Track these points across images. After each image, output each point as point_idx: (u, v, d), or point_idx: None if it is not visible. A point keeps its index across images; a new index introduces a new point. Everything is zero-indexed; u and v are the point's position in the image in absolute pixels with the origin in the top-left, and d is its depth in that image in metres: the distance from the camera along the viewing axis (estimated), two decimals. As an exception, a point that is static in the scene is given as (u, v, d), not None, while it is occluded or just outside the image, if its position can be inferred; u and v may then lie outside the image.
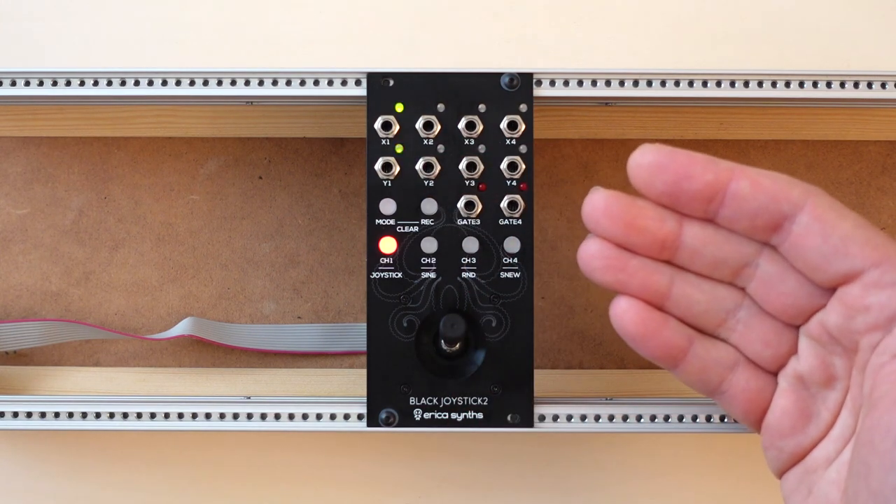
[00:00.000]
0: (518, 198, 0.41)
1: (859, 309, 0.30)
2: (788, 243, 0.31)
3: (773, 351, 0.33)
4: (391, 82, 0.42)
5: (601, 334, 0.49)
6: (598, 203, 0.33)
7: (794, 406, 0.33)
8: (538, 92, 0.42)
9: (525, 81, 0.42)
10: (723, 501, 0.49)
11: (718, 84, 0.42)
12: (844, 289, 0.31)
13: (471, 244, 0.41)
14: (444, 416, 0.41)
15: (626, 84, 0.42)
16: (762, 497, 0.49)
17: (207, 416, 0.42)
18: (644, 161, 0.32)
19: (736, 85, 0.42)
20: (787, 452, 0.33)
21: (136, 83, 0.42)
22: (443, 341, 0.41)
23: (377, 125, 0.41)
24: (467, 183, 0.42)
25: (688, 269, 0.33)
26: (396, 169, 0.41)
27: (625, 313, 0.33)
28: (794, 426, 0.33)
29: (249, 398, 0.42)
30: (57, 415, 0.42)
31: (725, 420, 0.41)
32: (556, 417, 0.42)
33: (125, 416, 0.42)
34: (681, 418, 0.41)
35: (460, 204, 0.41)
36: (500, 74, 0.42)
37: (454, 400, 0.41)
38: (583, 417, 0.42)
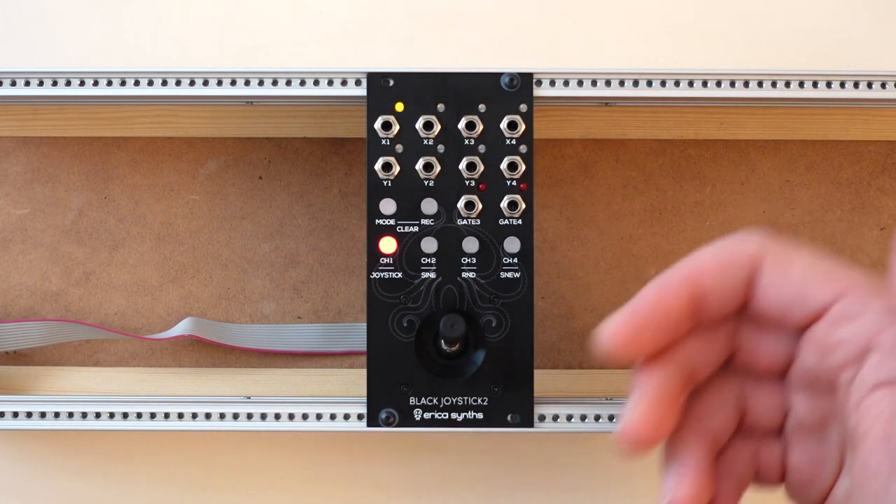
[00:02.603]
0: (518, 198, 0.41)
1: (830, 347, 0.29)
2: (755, 307, 0.31)
3: (777, 413, 0.33)
4: (391, 82, 0.42)
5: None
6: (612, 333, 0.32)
7: (807, 457, 0.32)
8: (538, 92, 0.42)
9: (525, 81, 0.42)
10: (723, 501, 0.49)
11: (718, 84, 0.42)
12: (812, 329, 0.30)
13: (471, 244, 0.41)
14: (444, 416, 0.41)
15: (626, 84, 0.42)
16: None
17: (207, 416, 0.42)
18: (611, 343, 0.31)
19: (736, 85, 0.42)
20: (811, 500, 0.33)
21: (136, 83, 0.42)
22: (443, 341, 0.41)
23: (377, 125, 0.41)
24: (467, 183, 0.42)
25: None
26: (396, 169, 0.41)
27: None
28: (812, 475, 0.32)
29: (249, 398, 0.42)
30: (57, 415, 0.42)
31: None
32: (556, 417, 0.42)
33: (125, 416, 0.42)
34: (681, 418, 0.41)
35: (460, 204, 0.41)
36: (500, 74, 0.42)
37: (454, 400, 0.41)
38: (583, 417, 0.42)
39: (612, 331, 0.31)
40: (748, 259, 0.30)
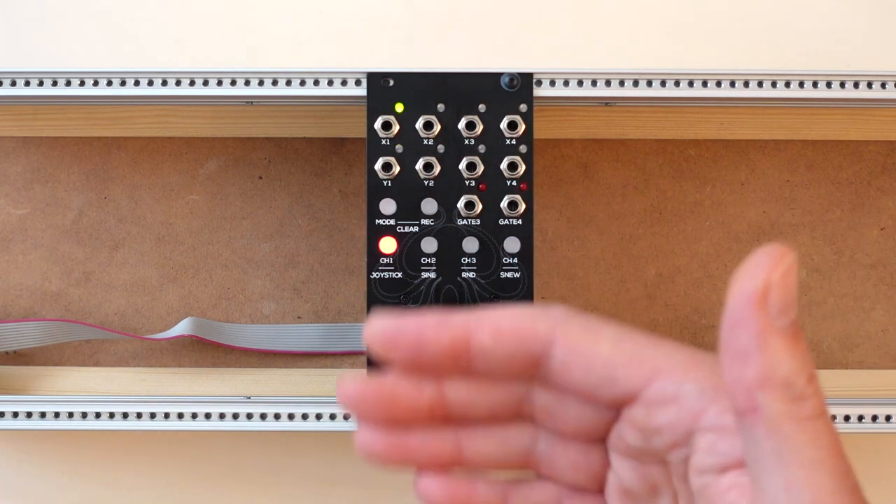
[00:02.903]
0: (518, 198, 0.41)
1: (651, 431, 0.29)
2: (553, 377, 0.30)
3: (584, 472, 0.32)
4: (391, 82, 0.42)
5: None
6: (351, 393, 0.32)
7: None
8: (538, 92, 0.42)
9: (525, 81, 0.42)
10: (723, 501, 0.49)
11: (718, 84, 0.42)
12: (629, 410, 0.29)
13: (471, 244, 0.41)
14: (444, 416, 0.41)
15: (626, 84, 0.42)
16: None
17: (207, 416, 0.42)
18: (375, 336, 0.31)
19: (736, 85, 0.42)
20: None
21: (136, 83, 0.42)
22: (443, 341, 0.41)
23: (377, 125, 0.41)
24: (467, 183, 0.42)
25: (467, 423, 0.33)
26: (396, 169, 0.41)
27: (429, 494, 0.32)
28: None
29: (249, 398, 0.42)
30: (57, 415, 0.42)
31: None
32: (556, 417, 0.42)
33: (125, 416, 0.42)
34: (681, 418, 0.41)
35: (460, 204, 0.41)
36: (500, 74, 0.42)
37: (454, 400, 0.41)
38: (583, 417, 0.42)
39: (376, 325, 0.31)
40: (536, 336, 0.29)
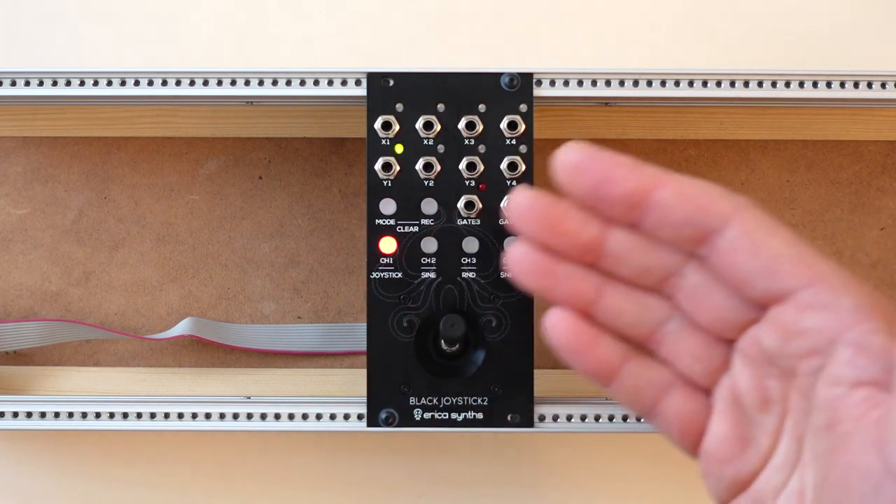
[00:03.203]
0: (518, 198, 0.41)
1: (794, 332, 0.29)
2: (715, 257, 0.30)
3: (703, 365, 0.32)
4: (391, 82, 0.42)
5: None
6: (522, 202, 0.32)
7: (730, 430, 0.31)
8: (538, 92, 0.42)
9: (525, 81, 0.42)
10: (723, 501, 0.49)
11: (718, 84, 0.42)
12: (777, 309, 0.29)
13: (471, 244, 0.41)
14: (444, 416, 0.41)
15: (626, 84, 0.42)
16: None
17: (207, 416, 0.42)
18: (567, 161, 0.31)
19: (736, 85, 0.42)
20: (726, 480, 0.31)
21: (136, 83, 0.42)
22: (443, 341, 0.41)
23: (377, 125, 0.41)
24: (467, 183, 0.42)
25: (614, 277, 0.32)
26: (396, 169, 0.41)
27: (558, 325, 0.32)
28: (732, 451, 0.31)
29: (249, 398, 0.42)
30: (57, 415, 0.42)
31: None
32: (556, 417, 0.42)
33: (125, 416, 0.42)
34: (681, 418, 0.41)
35: (460, 204, 0.41)
36: (500, 74, 0.42)
37: (454, 400, 0.41)
38: (583, 417, 0.42)
39: (573, 149, 0.31)
40: (716, 210, 0.30)
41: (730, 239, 0.29)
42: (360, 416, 0.42)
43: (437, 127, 0.41)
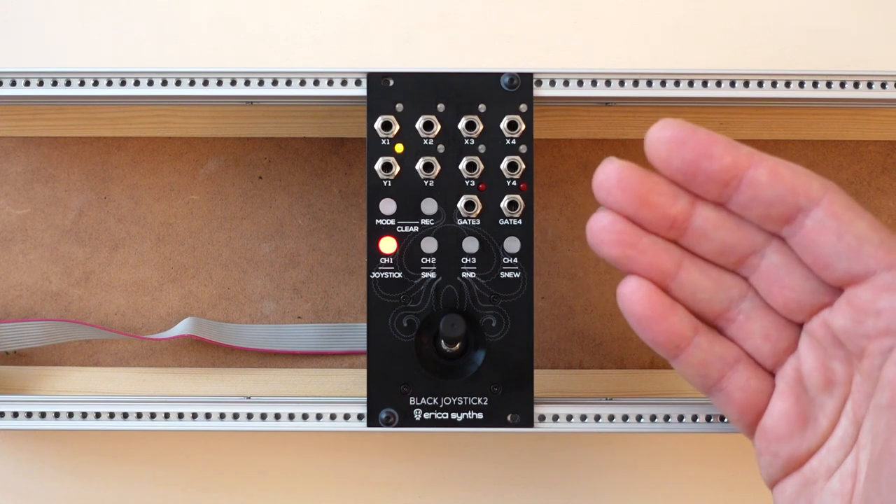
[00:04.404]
0: (518, 198, 0.41)
1: (869, 312, 0.30)
2: (800, 237, 0.31)
3: (772, 346, 0.33)
4: (391, 82, 0.42)
5: (601, 334, 0.49)
6: (611, 173, 0.32)
7: (791, 409, 0.32)
8: (538, 92, 0.42)
9: (525, 81, 0.42)
10: (723, 502, 0.49)
11: (718, 84, 0.42)
12: (853, 290, 0.30)
13: (471, 244, 0.41)
14: (444, 416, 0.41)
15: (626, 84, 0.42)
16: (762, 497, 0.49)
17: (207, 416, 0.42)
18: (663, 136, 0.31)
19: (736, 85, 0.42)
20: (782, 458, 0.32)
21: (136, 83, 0.42)
22: (443, 341, 0.41)
23: (377, 125, 0.41)
24: (467, 183, 0.42)
25: (694, 253, 0.33)
26: (396, 169, 0.41)
27: (633, 293, 0.32)
28: (791, 430, 0.32)
29: (249, 398, 0.42)
30: (57, 415, 0.42)
31: (725, 420, 0.41)
32: (556, 417, 0.42)
33: (125, 416, 0.42)
34: (681, 418, 0.41)
35: (460, 204, 0.41)
36: (500, 74, 0.42)
37: (454, 400, 0.41)
38: (583, 417, 0.42)
39: (669, 124, 0.31)
40: (807, 191, 0.30)
41: (817, 219, 0.30)
42: (360, 416, 0.42)
43: (437, 127, 0.41)
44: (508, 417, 0.41)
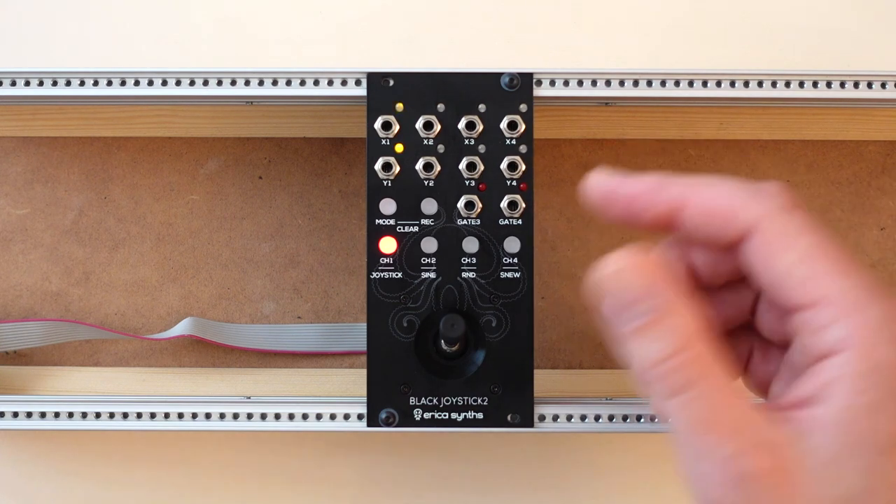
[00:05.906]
0: (518, 198, 0.41)
1: (797, 348, 0.30)
2: (744, 259, 0.31)
3: (779, 336, 0.33)
4: (391, 82, 0.42)
5: (601, 334, 0.49)
6: (597, 188, 0.32)
7: (765, 367, 0.34)
8: (538, 92, 0.42)
9: (525, 81, 0.42)
10: (723, 501, 0.49)
11: (718, 84, 0.42)
12: (794, 319, 0.30)
13: (471, 244, 0.41)
14: (444, 416, 0.41)
15: (626, 84, 0.42)
16: None
17: (207, 416, 0.42)
18: (594, 195, 0.32)
19: (736, 85, 0.42)
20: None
21: (136, 83, 0.42)
22: (443, 341, 0.41)
23: (377, 125, 0.41)
24: (467, 183, 0.42)
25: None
26: (396, 169, 0.41)
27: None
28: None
29: (249, 398, 0.42)
30: (57, 415, 0.42)
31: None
32: (556, 417, 0.42)
33: (125, 416, 0.42)
34: (681, 418, 0.41)
35: (460, 204, 0.41)
36: (500, 74, 0.42)
37: (454, 400, 0.41)
38: (583, 417, 0.42)
39: (596, 180, 0.32)
40: (738, 225, 0.30)
41: (753, 248, 0.30)
42: (360, 416, 0.42)
43: (437, 127, 0.41)
44: (508, 417, 0.41)
